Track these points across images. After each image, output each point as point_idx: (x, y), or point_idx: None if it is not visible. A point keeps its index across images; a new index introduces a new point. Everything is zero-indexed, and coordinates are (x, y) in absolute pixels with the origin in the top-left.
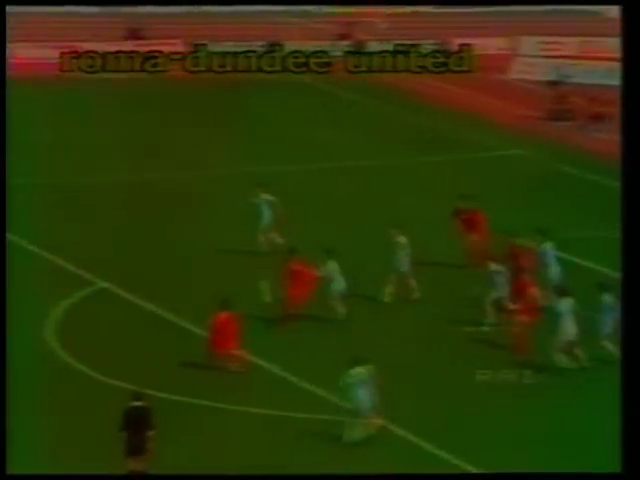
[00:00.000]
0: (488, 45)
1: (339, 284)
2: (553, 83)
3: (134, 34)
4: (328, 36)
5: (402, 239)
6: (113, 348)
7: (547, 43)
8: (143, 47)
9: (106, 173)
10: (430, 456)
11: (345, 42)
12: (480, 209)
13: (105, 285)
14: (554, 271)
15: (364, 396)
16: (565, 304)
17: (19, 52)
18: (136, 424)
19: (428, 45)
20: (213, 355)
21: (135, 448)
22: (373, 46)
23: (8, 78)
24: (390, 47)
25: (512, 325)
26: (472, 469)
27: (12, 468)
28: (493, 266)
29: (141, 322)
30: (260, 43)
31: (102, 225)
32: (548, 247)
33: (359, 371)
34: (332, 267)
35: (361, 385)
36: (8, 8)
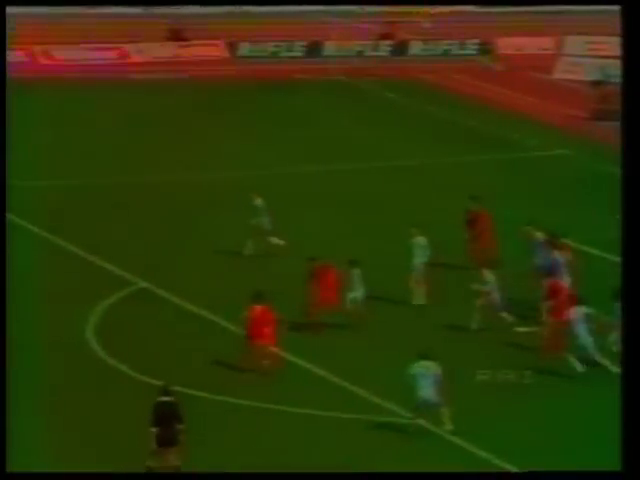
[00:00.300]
0: (532, 44)
1: (359, 292)
2: (598, 83)
3: (176, 35)
4: (370, 36)
5: (421, 239)
6: (152, 347)
7: (592, 43)
8: (185, 47)
9: (145, 173)
10: (467, 455)
11: (387, 42)
12: (485, 210)
13: (144, 285)
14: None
15: (428, 389)
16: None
17: (62, 54)
18: (165, 419)
19: (471, 44)
20: (251, 349)
21: (165, 442)
22: (416, 45)
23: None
24: (432, 47)
25: (545, 325)
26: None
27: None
28: (486, 274)
29: (180, 321)
30: (301, 43)
31: (139, 225)
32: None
33: (426, 364)
34: (356, 276)
35: (426, 378)
36: (33, 9)
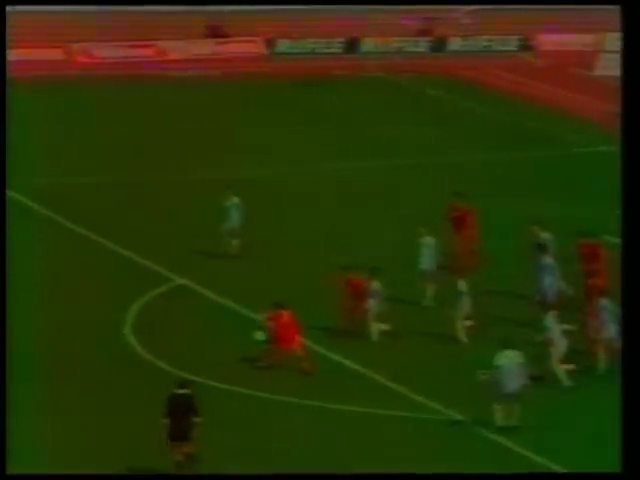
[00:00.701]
0: (573, 41)
1: (380, 305)
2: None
3: (214, 32)
4: (409, 32)
5: (429, 239)
6: (190, 344)
7: None
8: (222, 44)
9: (182, 170)
10: (512, 454)
11: (426, 38)
12: (472, 209)
13: (182, 282)
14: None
15: (514, 380)
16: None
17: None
18: (180, 411)
19: (511, 40)
20: (279, 354)
21: (177, 436)
22: (455, 42)
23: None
24: (472, 43)
25: (586, 329)
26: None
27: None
28: (461, 284)
29: (217, 318)
30: (339, 40)
31: (178, 222)
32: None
33: (511, 354)
34: (377, 286)
35: (511, 368)
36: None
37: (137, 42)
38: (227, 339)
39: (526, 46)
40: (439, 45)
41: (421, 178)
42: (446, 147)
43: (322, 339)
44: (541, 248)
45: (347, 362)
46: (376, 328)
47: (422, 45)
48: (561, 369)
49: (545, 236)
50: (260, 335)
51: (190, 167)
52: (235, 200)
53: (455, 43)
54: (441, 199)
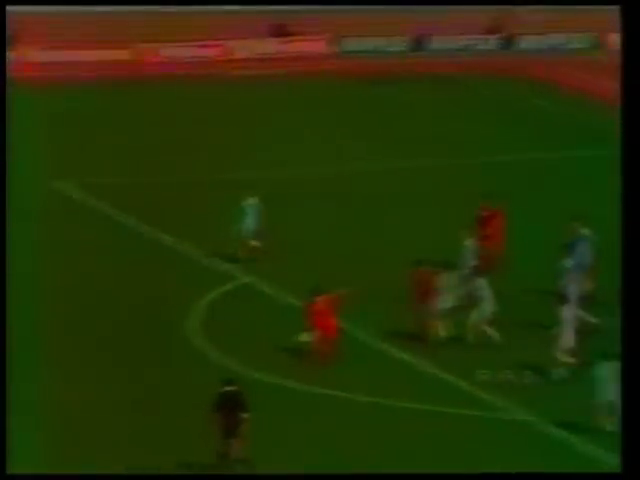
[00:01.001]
0: None
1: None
2: None
3: (280, 30)
4: (477, 30)
5: (469, 242)
6: (255, 341)
7: None
8: (287, 43)
9: (252, 168)
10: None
11: (495, 35)
12: (500, 210)
13: (247, 280)
14: None
15: (612, 391)
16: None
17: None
18: (229, 408)
19: (581, 39)
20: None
21: (227, 433)
22: (525, 40)
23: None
24: (542, 41)
25: None
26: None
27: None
28: (480, 283)
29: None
30: (406, 38)
31: None
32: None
33: (611, 365)
34: (448, 280)
35: (610, 379)
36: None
37: (204, 42)
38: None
39: (596, 44)
40: (509, 43)
41: (488, 176)
42: (513, 145)
43: (389, 337)
44: (568, 248)
45: (414, 360)
46: (444, 328)
47: (492, 43)
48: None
49: (585, 232)
50: (305, 336)
51: (255, 166)
52: (251, 201)
53: (525, 41)
54: (512, 196)
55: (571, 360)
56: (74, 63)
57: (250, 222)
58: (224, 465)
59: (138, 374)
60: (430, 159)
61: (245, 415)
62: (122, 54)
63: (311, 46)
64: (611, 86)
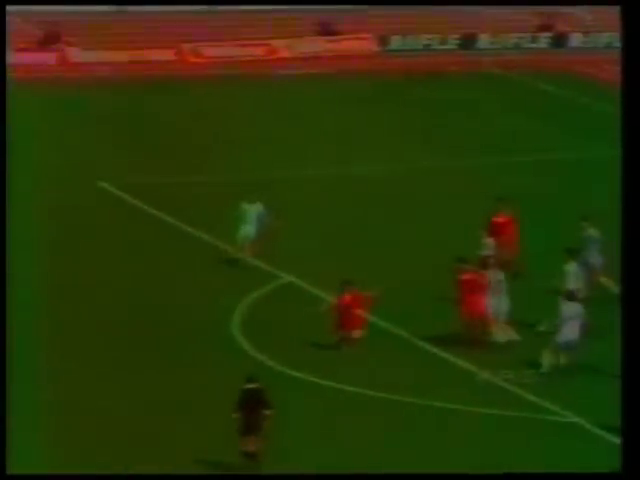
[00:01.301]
0: None
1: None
2: None
3: (326, 29)
4: (528, 28)
5: (490, 241)
6: (295, 341)
7: None
8: (333, 42)
9: (294, 166)
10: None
11: (546, 34)
12: (513, 216)
13: (290, 279)
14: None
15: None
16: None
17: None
18: (249, 406)
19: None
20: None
21: (248, 429)
22: (576, 38)
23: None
24: (593, 39)
25: None
26: None
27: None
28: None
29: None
30: (454, 36)
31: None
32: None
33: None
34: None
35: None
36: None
37: (248, 41)
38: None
39: None
40: (560, 41)
41: (537, 174)
42: (562, 144)
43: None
44: (570, 252)
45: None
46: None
47: (542, 41)
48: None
49: (592, 232)
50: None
51: (301, 164)
52: (255, 207)
53: (576, 39)
54: (558, 195)
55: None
56: (106, 63)
57: (253, 228)
58: (246, 464)
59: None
60: (480, 158)
61: (267, 412)
62: (168, 53)
63: (358, 45)
64: None
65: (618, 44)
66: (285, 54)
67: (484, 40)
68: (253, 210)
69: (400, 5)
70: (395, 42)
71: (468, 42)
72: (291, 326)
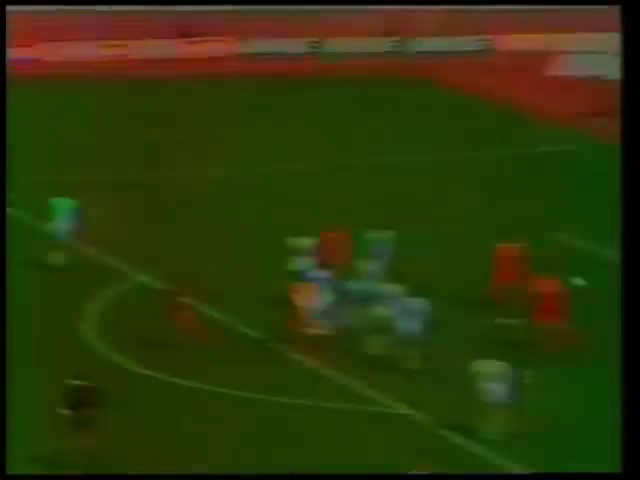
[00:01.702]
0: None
1: None
2: (595, 79)
3: (185, 32)
4: (373, 32)
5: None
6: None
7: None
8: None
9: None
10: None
11: (390, 38)
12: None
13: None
14: None
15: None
16: None
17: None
18: (81, 402)
19: (474, 42)
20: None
21: (80, 425)
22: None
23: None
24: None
25: None
26: None
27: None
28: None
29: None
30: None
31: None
32: None
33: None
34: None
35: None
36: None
37: (106, 42)
38: None
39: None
40: (403, 45)
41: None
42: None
43: None
44: None
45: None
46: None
47: (385, 45)
48: None
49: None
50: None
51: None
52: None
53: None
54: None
55: None
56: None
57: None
58: (79, 461)
59: None
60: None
61: (95, 410)
62: (26, 52)
63: (214, 47)
64: (499, 86)
65: (464, 48)
66: (141, 56)
67: (331, 44)
68: (64, 205)
69: (258, 5)
70: (251, 46)
71: (316, 46)
72: (139, 325)
